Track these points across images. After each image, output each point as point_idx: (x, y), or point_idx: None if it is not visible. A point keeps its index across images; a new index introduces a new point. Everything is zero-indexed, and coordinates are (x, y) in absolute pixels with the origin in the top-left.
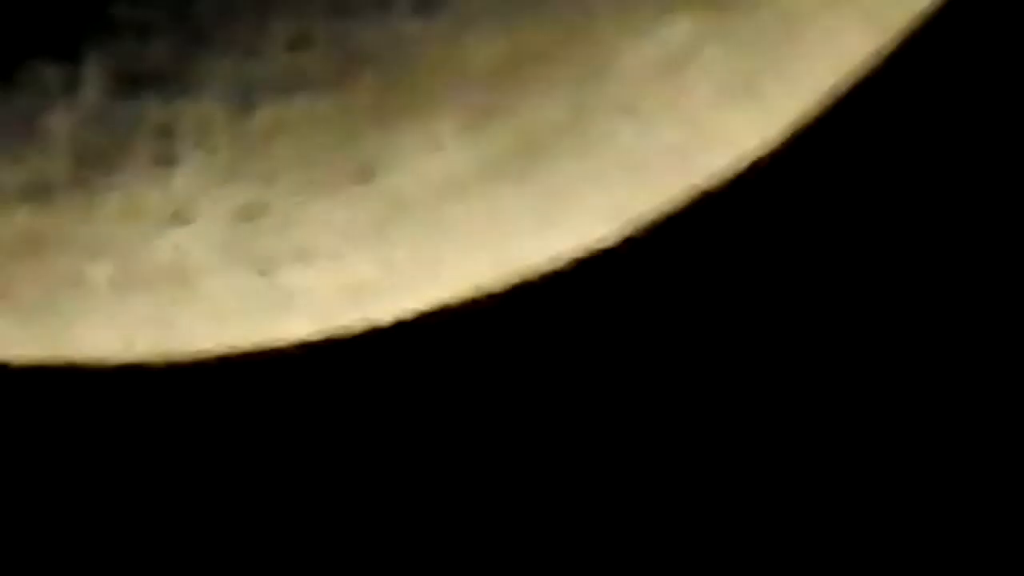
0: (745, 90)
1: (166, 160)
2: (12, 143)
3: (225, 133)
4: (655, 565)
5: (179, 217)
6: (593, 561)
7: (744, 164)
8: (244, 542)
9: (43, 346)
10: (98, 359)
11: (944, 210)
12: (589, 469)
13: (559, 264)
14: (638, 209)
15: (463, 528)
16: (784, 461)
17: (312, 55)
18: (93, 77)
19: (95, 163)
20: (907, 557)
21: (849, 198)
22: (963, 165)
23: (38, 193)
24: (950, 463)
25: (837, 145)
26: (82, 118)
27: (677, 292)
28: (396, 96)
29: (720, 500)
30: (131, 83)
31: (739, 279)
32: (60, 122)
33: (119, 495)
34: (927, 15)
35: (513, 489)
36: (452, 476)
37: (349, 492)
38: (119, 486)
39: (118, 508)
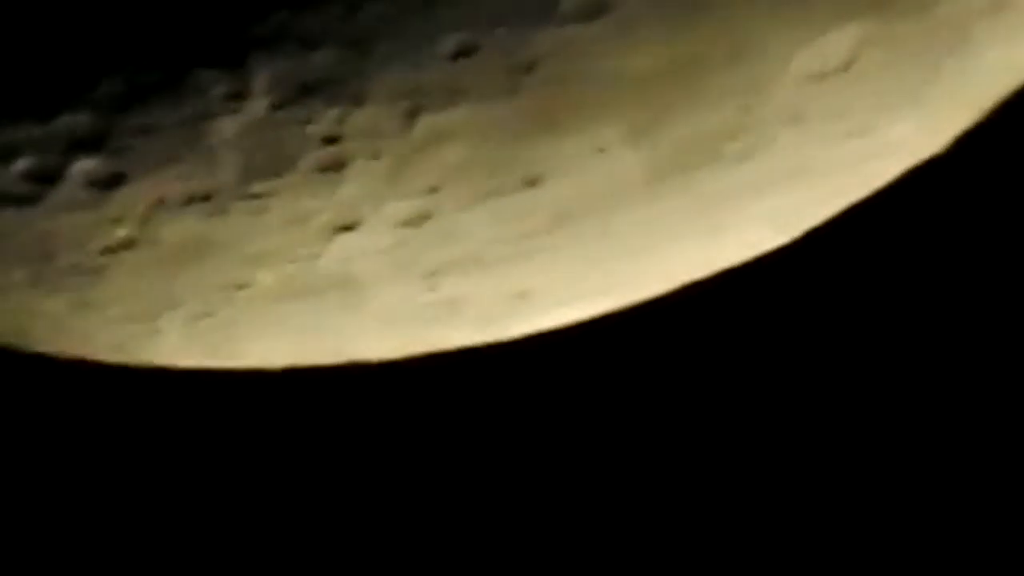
0: (910, 98)
1: (332, 168)
2: (179, 151)
3: (391, 141)
4: None
5: (345, 225)
6: None
7: (906, 171)
8: (414, 537)
9: (208, 353)
10: (262, 365)
11: None
12: (764, 469)
13: (724, 269)
14: (802, 215)
15: (642, 526)
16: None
17: (478, 63)
18: (260, 86)
19: (261, 171)
20: None
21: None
22: None
23: (205, 201)
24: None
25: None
26: (249, 126)
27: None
28: (562, 102)
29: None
30: (297, 91)
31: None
32: (227, 130)
33: (283, 497)
34: None
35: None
36: (619, 476)
37: (514, 492)
38: (284, 489)
39: (285, 510)
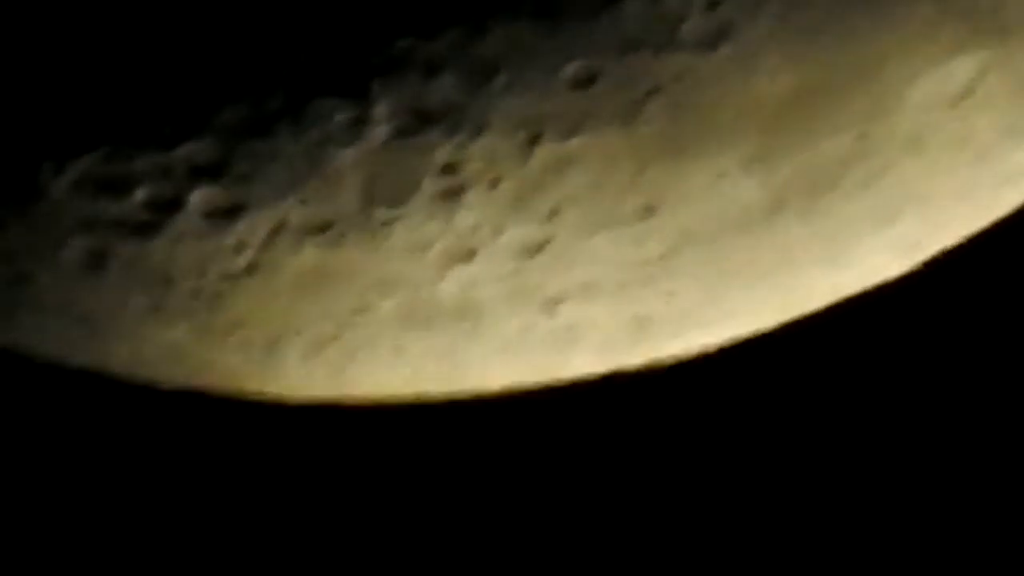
0: None
1: (452, 196)
2: (301, 179)
3: (510, 169)
4: None
5: (464, 252)
6: None
7: None
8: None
9: (327, 380)
10: (382, 395)
11: None
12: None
13: (846, 298)
14: (924, 244)
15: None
16: None
17: (598, 91)
18: (381, 114)
19: (382, 199)
20: None
21: None
22: None
23: (326, 228)
24: None
25: None
26: (370, 154)
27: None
28: (682, 130)
29: None
30: (418, 120)
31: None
32: (348, 158)
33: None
34: None
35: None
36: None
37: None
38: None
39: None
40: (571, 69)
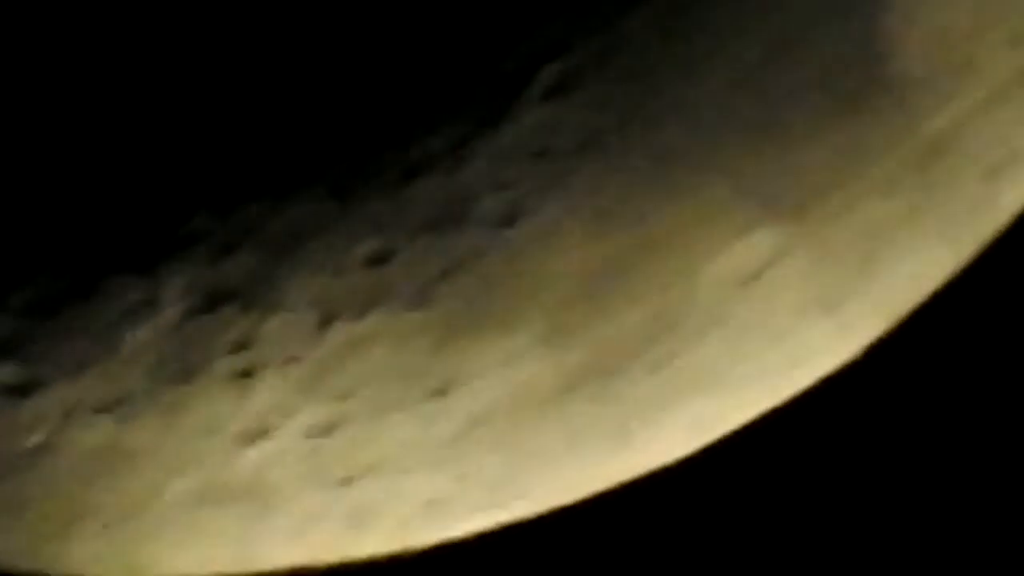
0: (827, 304)
1: (244, 375)
2: (93, 358)
3: (303, 348)
4: None
5: (257, 432)
6: None
7: (823, 379)
8: None
9: (122, 563)
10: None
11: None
12: None
13: (639, 477)
14: (719, 425)
15: None
16: None
17: (393, 270)
18: (173, 293)
19: (174, 378)
20: None
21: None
22: None
23: (118, 407)
24: None
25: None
26: (162, 333)
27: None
28: (475, 310)
29: None
30: (211, 299)
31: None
32: (140, 337)
33: None
34: (1005, 228)
35: None
36: None
37: None
38: None
39: None
40: (365, 248)
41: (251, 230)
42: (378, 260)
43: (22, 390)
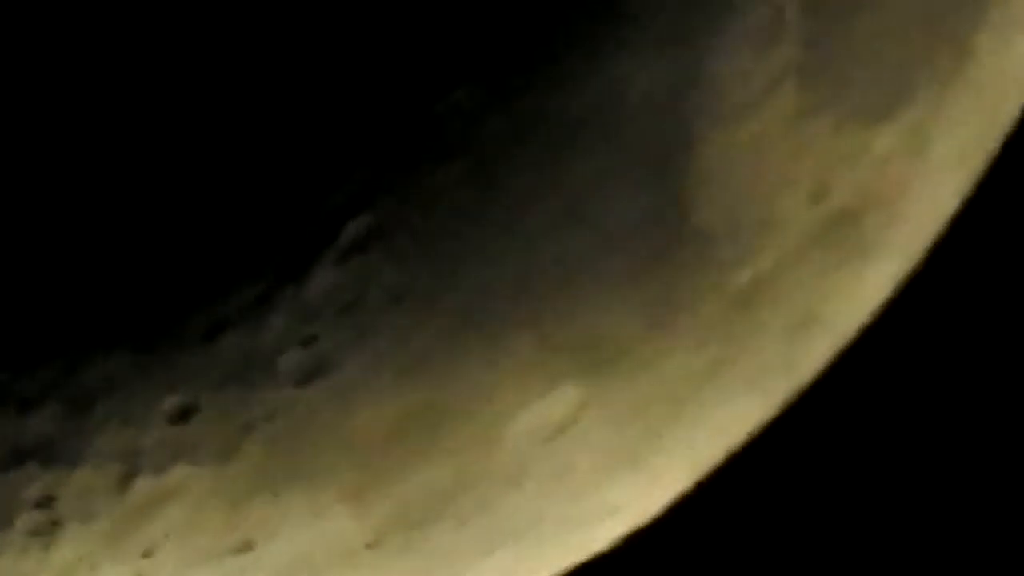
0: (633, 458)
1: (46, 531)
2: None
3: (106, 503)
4: None
5: None
6: None
7: (627, 532)
8: None
9: None
10: None
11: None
12: None
13: None
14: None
15: None
16: None
17: (196, 425)
18: None
19: None
20: None
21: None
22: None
23: None
24: None
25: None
26: None
27: None
28: (281, 465)
29: None
30: (12, 455)
31: None
32: None
33: None
34: (812, 382)
35: None
36: None
37: None
38: None
39: None
40: (169, 403)
41: (52, 387)
42: (182, 415)
43: None
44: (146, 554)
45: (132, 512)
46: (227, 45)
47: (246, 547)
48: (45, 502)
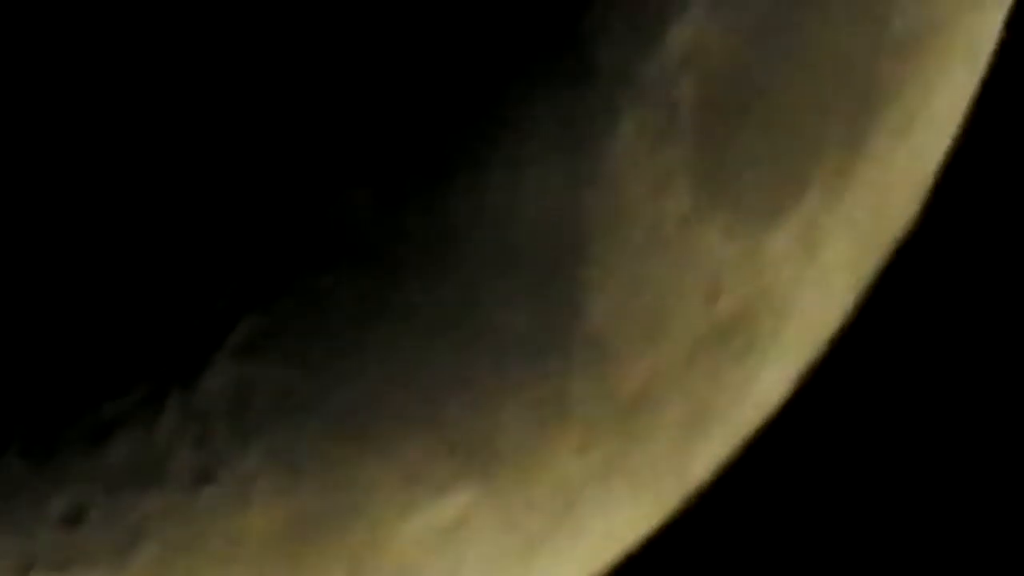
0: (519, 561)
1: None
2: None
3: None
4: None
5: None
6: None
7: None
8: None
9: None
10: None
11: None
12: None
13: None
14: None
15: None
16: None
17: (89, 528)
18: None
19: None
20: None
21: None
22: None
23: None
24: None
25: None
26: None
27: None
28: (173, 566)
29: None
30: None
31: None
32: None
33: None
34: (704, 484)
35: None
36: None
37: None
38: None
39: None
40: (59, 506)
41: None
42: (74, 519)
43: None
44: None
45: None
46: (110, 149)
47: None
48: None
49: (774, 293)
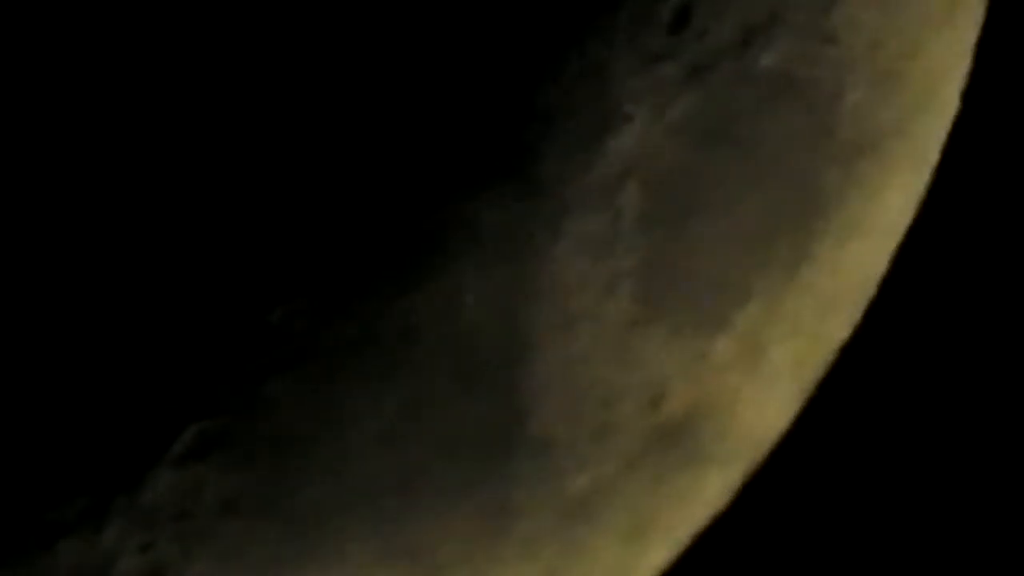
0: None
1: None
2: None
3: None
4: None
5: None
6: None
7: None
8: None
9: None
10: None
11: None
12: None
13: None
14: None
15: None
16: None
17: None
18: None
19: None
20: None
21: None
22: None
23: None
24: None
25: None
26: None
27: None
28: None
29: None
30: None
31: None
32: None
33: None
34: None
35: None
36: None
37: None
38: None
39: None
40: None
41: None
42: None
43: None
44: None
45: None
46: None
47: None
48: None
49: (718, 398)
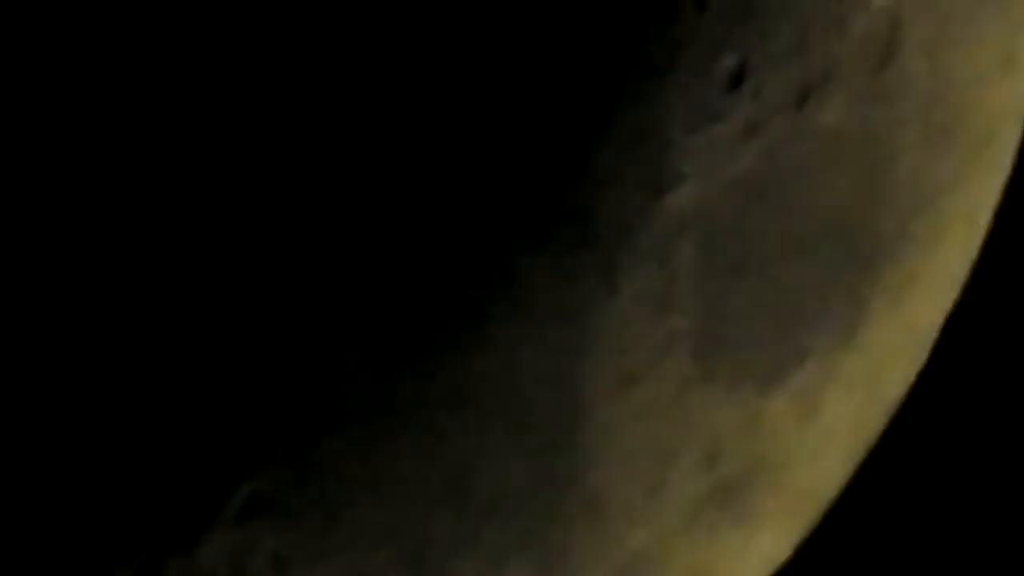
0: None
1: None
2: None
3: None
4: None
5: None
6: None
7: None
8: None
9: None
10: None
11: None
12: None
13: None
14: None
15: None
16: None
17: None
18: None
19: None
20: None
21: None
22: None
23: None
24: None
25: None
26: None
27: None
28: None
29: None
30: None
31: None
32: None
33: None
34: None
35: None
36: None
37: None
38: None
39: None
40: None
41: None
42: None
43: None
44: None
45: None
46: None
47: None
48: None
49: (773, 456)
